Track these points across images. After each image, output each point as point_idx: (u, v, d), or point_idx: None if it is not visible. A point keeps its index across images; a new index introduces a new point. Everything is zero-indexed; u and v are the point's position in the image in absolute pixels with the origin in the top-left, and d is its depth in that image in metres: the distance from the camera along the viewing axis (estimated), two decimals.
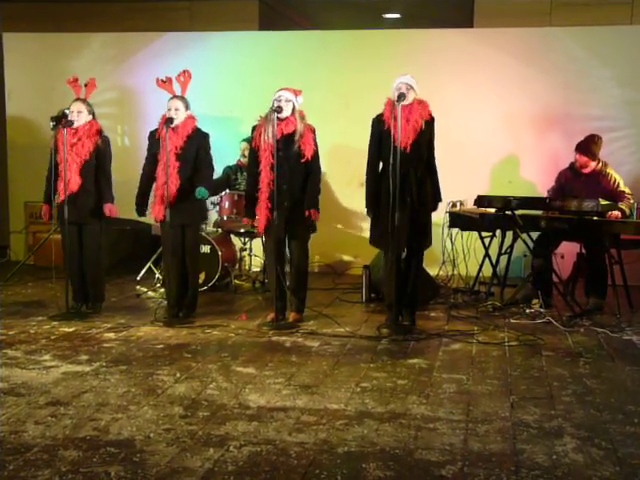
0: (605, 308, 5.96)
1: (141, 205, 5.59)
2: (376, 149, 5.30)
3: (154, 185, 5.54)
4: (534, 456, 3.07)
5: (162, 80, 5.57)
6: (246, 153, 6.51)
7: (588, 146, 6.08)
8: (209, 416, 3.52)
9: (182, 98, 5.52)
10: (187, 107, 5.52)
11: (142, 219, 5.87)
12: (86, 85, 5.66)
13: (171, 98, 5.49)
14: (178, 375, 4.18)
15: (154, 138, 5.56)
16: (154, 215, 5.50)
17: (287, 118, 5.32)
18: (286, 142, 5.31)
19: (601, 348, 4.91)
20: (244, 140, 7.00)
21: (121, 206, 7.70)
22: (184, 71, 5.58)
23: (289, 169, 5.32)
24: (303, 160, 5.34)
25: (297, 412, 3.58)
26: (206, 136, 5.57)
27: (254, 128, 5.46)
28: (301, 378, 4.15)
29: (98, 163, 5.61)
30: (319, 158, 5.47)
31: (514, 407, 3.69)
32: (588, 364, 4.50)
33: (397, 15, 10.36)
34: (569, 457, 3.07)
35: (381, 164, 5.30)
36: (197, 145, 5.50)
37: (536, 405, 3.72)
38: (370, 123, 5.34)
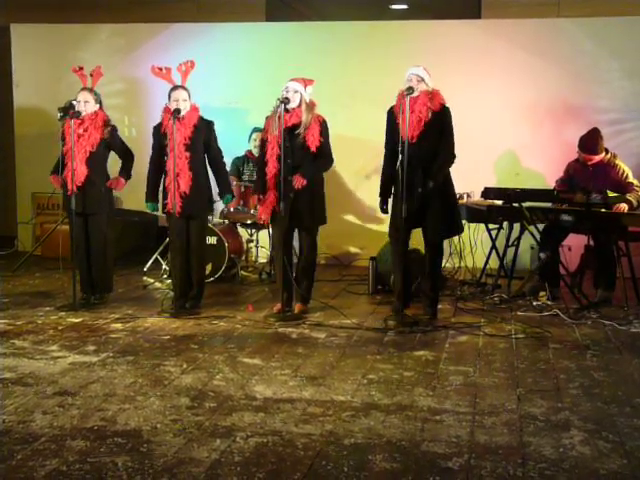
0: (613, 301, 5.94)
1: (153, 201, 5.60)
2: (388, 141, 5.40)
3: (165, 179, 5.51)
4: (541, 449, 3.07)
5: (159, 68, 5.55)
6: (257, 143, 6.52)
7: (592, 145, 6.02)
8: (215, 407, 3.52)
9: (185, 88, 5.49)
10: (189, 96, 5.51)
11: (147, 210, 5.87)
12: (92, 74, 5.66)
13: (175, 89, 5.46)
14: (185, 366, 4.19)
15: (159, 132, 5.54)
16: (170, 208, 5.45)
17: (294, 110, 5.31)
18: (291, 133, 5.30)
19: (608, 341, 4.90)
20: (256, 130, 6.96)
21: (128, 197, 7.80)
22: (186, 61, 5.55)
23: (294, 161, 5.30)
24: (309, 152, 5.33)
25: (303, 403, 3.59)
26: (211, 124, 5.56)
27: (267, 119, 5.46)
28: (307, 369, 4.16)
29: (116, 151, 5.71)
30: (330, 148, 5.45)
31: (521, 399, 3.69)
32: (595, 357, 4.49)
33: (404, 6, 10.30)
34: (576, 450, 3.07)
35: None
36: (204, 134, 5.50)
37: (543, 398, 3.71)
38: (376, 114, 5.36)
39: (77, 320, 5.29)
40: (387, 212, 5.42)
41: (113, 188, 5.70)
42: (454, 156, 5.26)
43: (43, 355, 4.38)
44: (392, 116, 5.33)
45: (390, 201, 5.40)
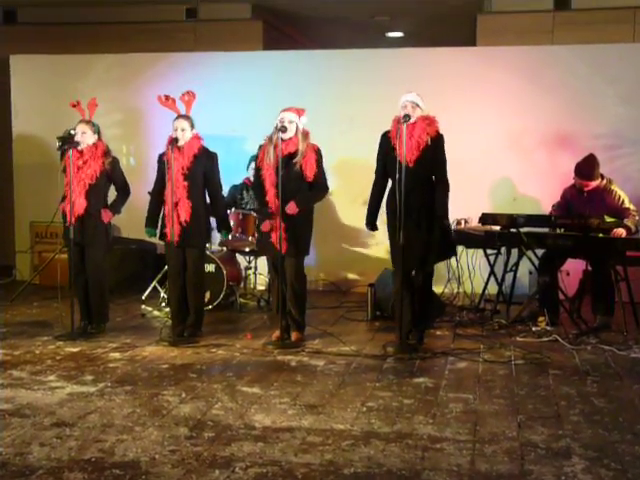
0: (612, 326, 5.93)
1: (152, 226, 5.62)
2: (380, 166, 5.42)
3: (164, 207, 5.53)
4: (542, 477, 3.05)
5: (165, 97, 5.59)
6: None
7: (588, 171, 6.05)
8: (214, 437, 3.50)
9: (187, 117, 5.52)
10: (192, 126, 5.53)
11: (147, 238, 5.87)
12: (88, 107, 5.71)
13: (176, 118, 5.50)
14: (183, 395, 4.17)
15: (162, 160, 5.57)
16: (170, 237, 5.43)
17: (290, 139, 5.33)
18: (287, 162, 5.32)
19: (608, 366, 4.88)
20: (254, 158, 6.96)
21: (127, 226, 7.81)
22: (187, 91, 5.60)
23: (290, 190, 5.30)
24: (305, 180, 5.35)
25: (303, 432, 3.57)
26: (214, 156, 5.58)
27: (261, 147, 5.49)
28: (307, 398, 4.14)
29: (114, 184, 5.73)
30: (325, 177, 5.47)
31: (521, 427, 3.67)
32: (595, 383, 4.47)
33: (400, 34, 10.42)
34: (578, 478, 3.04)
35: (390, 182, 5.35)
36: (204, 165, 5.51)
37: (544, 425, 3.69)
38: (375, 141, 5.40)
39: (75, 350, 5.27)
40: (376, 228, 5.48)
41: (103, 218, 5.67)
42: (449, 184, 5.27)
43: (41, 385, 4.35)
44: (387, 141, 5.32)
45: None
